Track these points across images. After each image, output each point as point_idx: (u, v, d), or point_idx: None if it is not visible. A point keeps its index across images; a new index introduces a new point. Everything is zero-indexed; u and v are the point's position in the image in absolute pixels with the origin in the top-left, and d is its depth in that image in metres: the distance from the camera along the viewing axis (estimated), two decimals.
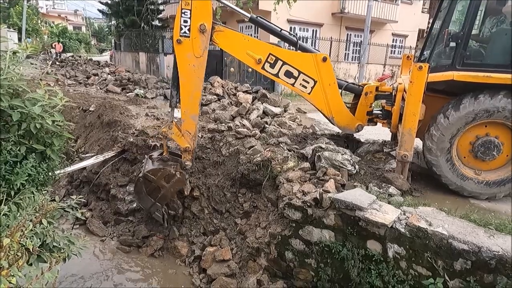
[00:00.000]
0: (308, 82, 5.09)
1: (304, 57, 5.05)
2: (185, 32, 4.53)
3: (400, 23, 20.25)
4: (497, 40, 4.49)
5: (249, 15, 5.07)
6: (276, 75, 5.02)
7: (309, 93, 5.16)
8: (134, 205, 6.27)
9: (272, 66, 4.96)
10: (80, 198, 2.84)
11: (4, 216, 2.14)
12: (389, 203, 4.04)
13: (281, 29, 5.18)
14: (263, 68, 4.96)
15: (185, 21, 4.49)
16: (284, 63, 4.96)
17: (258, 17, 5.11)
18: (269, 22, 5.24)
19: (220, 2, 5.24)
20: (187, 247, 5.70)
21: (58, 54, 26.41)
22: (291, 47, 5.49)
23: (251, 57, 4.87)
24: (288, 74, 5.03)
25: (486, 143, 4.41)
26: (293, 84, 5.09)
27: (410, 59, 6.23)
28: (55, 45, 28.43)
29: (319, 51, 5.28)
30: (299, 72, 5.03)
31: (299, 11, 15.83)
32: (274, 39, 6.36)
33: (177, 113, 5.30)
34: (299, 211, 4.32)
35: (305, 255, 4.38)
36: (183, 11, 4.45)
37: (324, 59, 5.03)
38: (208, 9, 4.54)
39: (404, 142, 4.48)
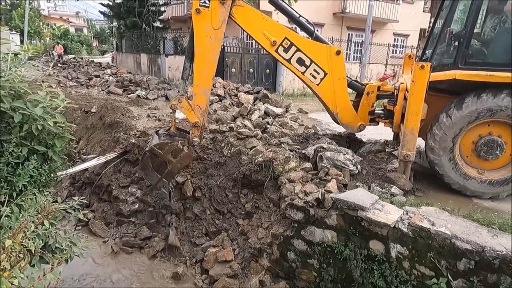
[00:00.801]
0: (318, 73, 5.08)
1: (318, 47, 5.04)
2: (205, 2, 4.40)
3: (401, 23, 20.19)
4: (499, 39, 4.47)
5: None
6: (289, 60, 4.99)
7: (317, 84, 5.15)
8: (136, 206, 6.27)
9: (286, 51, 4.94)
10: (82, 199, 2.84)
11: (6, 218, 2.15)
12: (391, 203, 4.02)
13: (300, 15, 5.16)
14: (276, 51, 4.92)
15: None
16: (298, 49, 4.94)
17: None
18: (288, 6, 5.21)
19: None
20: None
21: (60, 56, 26.51)
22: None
23: (266, 38, 4.83)
24: (300, 61, 5.01)
25: (489, 142, 4.39)
26: (303, 73, 5.08)
27: (412, 58, 6.21)
28: (56, 47, 28.59)
29: (333, 44, 5.26)
30: (311, 62, 5.02)
31: (300, 11, 15.74)
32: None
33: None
34: (301, 212, 4.31)
35: (307, 256, 4.37)
36: None
37: (338, 53, 5.03)
38: None
39: (406, 141, 4.47)
